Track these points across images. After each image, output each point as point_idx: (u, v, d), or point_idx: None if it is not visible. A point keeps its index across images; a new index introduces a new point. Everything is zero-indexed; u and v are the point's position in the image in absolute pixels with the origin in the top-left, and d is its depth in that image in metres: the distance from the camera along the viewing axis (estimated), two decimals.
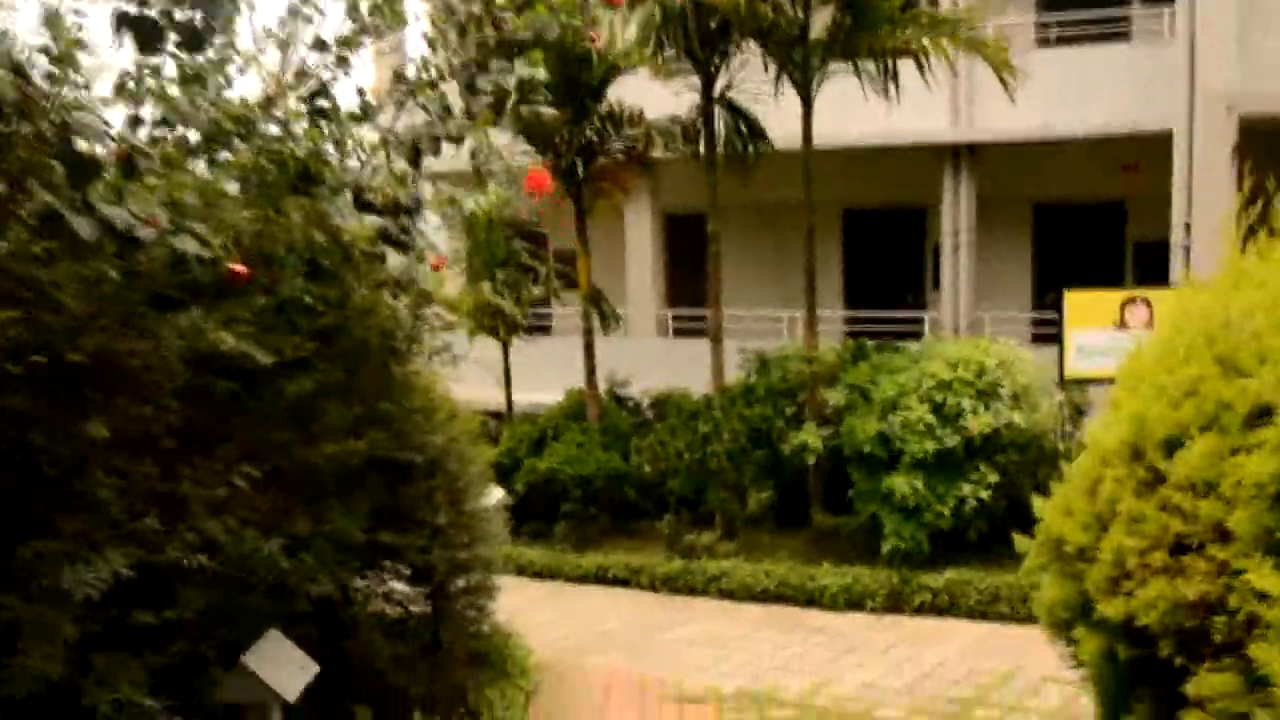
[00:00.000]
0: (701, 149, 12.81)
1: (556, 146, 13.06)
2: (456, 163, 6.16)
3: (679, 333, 17.06)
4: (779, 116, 12.63)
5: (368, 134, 5.05)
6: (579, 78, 12.94)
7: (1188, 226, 11.25)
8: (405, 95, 5.29)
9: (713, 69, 12.21)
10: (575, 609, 10.65)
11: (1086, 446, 3.23)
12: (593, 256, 14.54)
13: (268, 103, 4.88)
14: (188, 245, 3.41)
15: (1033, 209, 16.50)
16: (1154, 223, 15.51)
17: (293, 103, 5.15)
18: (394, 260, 5.18)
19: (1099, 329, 9.04)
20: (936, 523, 9.13)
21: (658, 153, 14.03)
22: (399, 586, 6.56)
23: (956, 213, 14.71)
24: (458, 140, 5.10)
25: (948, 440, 9.18)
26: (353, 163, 5.13)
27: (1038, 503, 3.38)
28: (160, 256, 3.44)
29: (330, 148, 4.93)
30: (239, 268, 3.38)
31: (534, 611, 10.70)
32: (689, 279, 16.62)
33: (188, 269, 3.45)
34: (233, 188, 4.24)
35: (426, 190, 5.10)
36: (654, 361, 15.54)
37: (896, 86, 11.47)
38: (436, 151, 5.03)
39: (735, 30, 11.53)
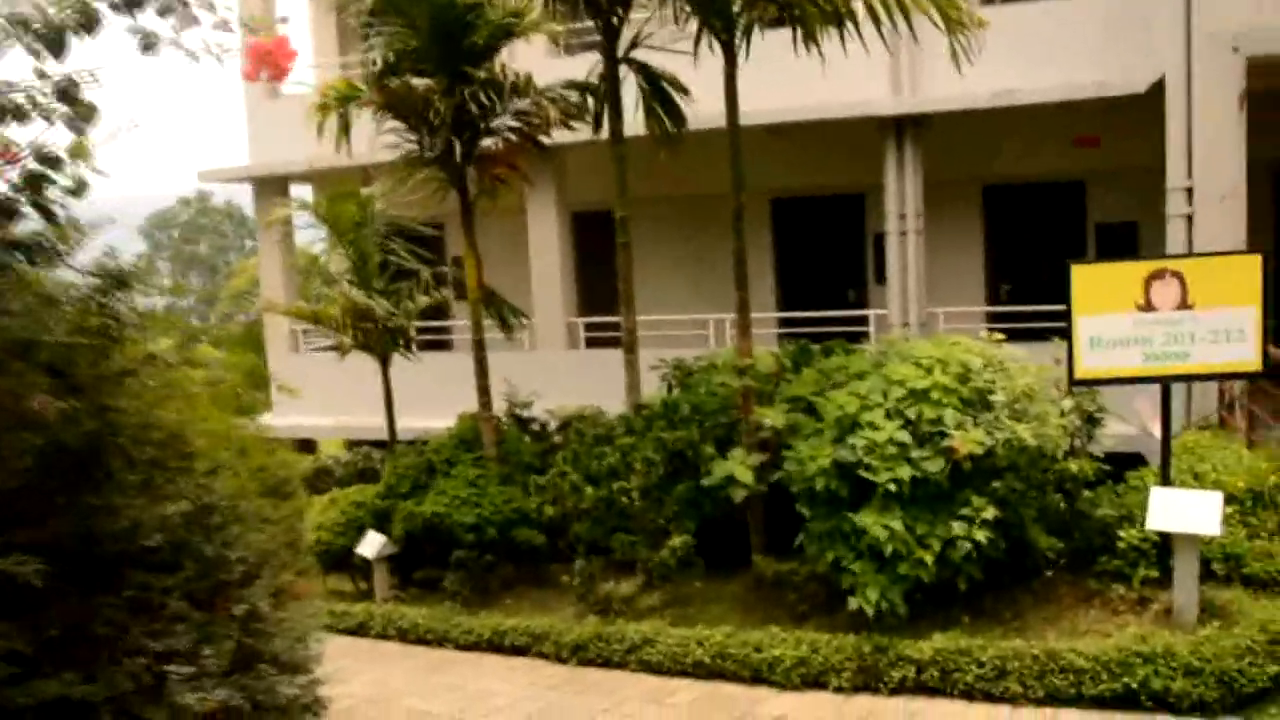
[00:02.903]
0: (606, 121, 10.75)
1: (430, 122, 10.78)
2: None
3: (592, 343, 14.93)
4: (697, 91, 10.69)
5: None
6: (459, 44, 10.76)
7: (1189, 191, 9.40)
8: None
9: (615, 20, 10.14)
10: (460, 692, 8.40)
11: None
12: (494, 261, 12.48)
13: None
14: None
15: (982, 190, 14.77)
16: (1118, 202, 13.92)
17: None
18: None
19: (1117, 313, 7.05)
20: (916, 572, 7.02)
21: (560, 136, 11.94)
22: None
23: (902, 195, 12.81)
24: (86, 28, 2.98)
25: (927, 465, 7.09)
26: None
27: None
28: None
29: None
30: None
31: (409, 695, 8.48)
32: (602, 284, 14.51)
33: None
34: None
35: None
36: (564, 376, 13.61)
37: (842, 41, 9.46)
38: (59, 50, 2.91)
39: None
